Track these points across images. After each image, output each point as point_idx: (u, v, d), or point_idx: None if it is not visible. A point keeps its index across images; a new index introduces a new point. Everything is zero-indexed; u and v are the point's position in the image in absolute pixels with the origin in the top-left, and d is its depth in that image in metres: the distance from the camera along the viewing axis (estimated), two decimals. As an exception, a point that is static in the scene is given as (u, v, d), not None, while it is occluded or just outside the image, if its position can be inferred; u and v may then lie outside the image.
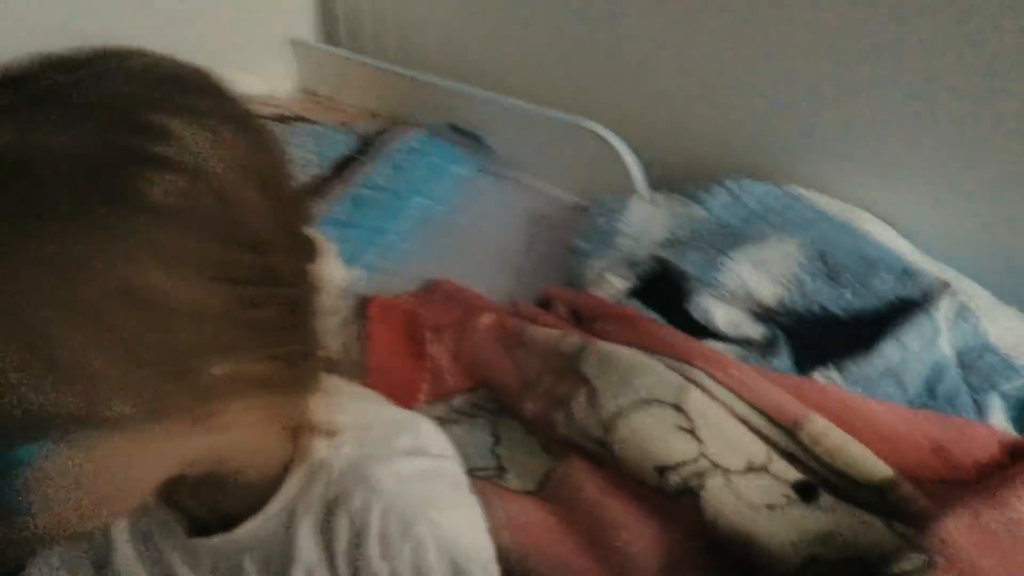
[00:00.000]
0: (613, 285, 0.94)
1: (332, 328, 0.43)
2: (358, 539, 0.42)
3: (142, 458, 0.35)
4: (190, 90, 0.33)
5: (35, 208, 0.28)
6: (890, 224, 1.02)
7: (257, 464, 0.43)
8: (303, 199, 0.39)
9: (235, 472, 0.42)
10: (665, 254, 0.91)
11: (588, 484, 0.74)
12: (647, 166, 1.19)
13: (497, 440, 0.85)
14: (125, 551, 0.48)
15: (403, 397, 0.88)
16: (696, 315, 0.89)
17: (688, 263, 0.89)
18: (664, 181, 1.19)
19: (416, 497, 0.43)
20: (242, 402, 0.36)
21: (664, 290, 0.93)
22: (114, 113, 0.31)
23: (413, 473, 0.44)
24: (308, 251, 0.39)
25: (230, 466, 0.41)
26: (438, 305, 1.02)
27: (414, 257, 1.14)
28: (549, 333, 0.87)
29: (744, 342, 0.87)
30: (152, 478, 0.36)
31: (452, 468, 0.47)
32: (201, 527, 0.45)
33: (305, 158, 1.24)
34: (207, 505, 0.45)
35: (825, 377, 0.76)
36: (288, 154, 0.37)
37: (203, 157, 0.32)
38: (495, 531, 0.72)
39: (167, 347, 0.32)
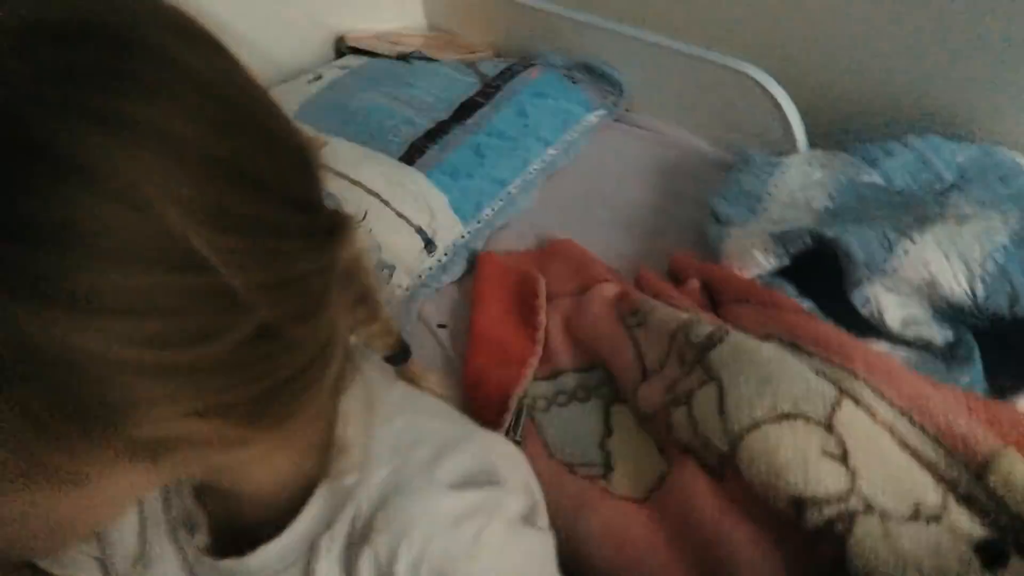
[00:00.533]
0: (759, 262, 0.79)
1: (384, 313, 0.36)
2: None
3: (86, 503, 0.29)
4: (112, 55, 0.24)
5: None
6: None
7: (276, 474, 0.36)
8: (305, 179, 0.30)
9: (244, 482, 0.36)
10: (826, 230, 0.75)
11: (707, 501, 0.63)
12: (810, 117, 1.00)
13: (608, 432, 0.75)
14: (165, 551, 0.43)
15: (508, 371, 0.79)
16: (861, 308, 0.73)
17: (855, 242, 0.72)
18: (830, 137, 1.00)
19: (457, 545, 0.35)
20: (194, 447, 0.29)
21: (821, 273, 0.77)
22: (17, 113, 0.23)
23: (457, 513, 0.36)
24: (321, 237, 0.30)
25: (235, 473, 0.35)
26: (556, 268, 0.93)
27: (537, 213, 1.05)
28: (676, 315, 0.75)
29: (922, 346, 0.70)
30: (106, 513, 0.32)
31: (514, 501, 0.38)
32: (225, 538, 0.40)
33: (424, 100, 1.15)
34: (228, 515, 0.39)
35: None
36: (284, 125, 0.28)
37: (134, 171, 0.24)
38: (584, 542, 0.62)
39: (103, 416, 0.25)
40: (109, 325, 0.24)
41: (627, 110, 1.18)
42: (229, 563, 0.38)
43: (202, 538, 0.40)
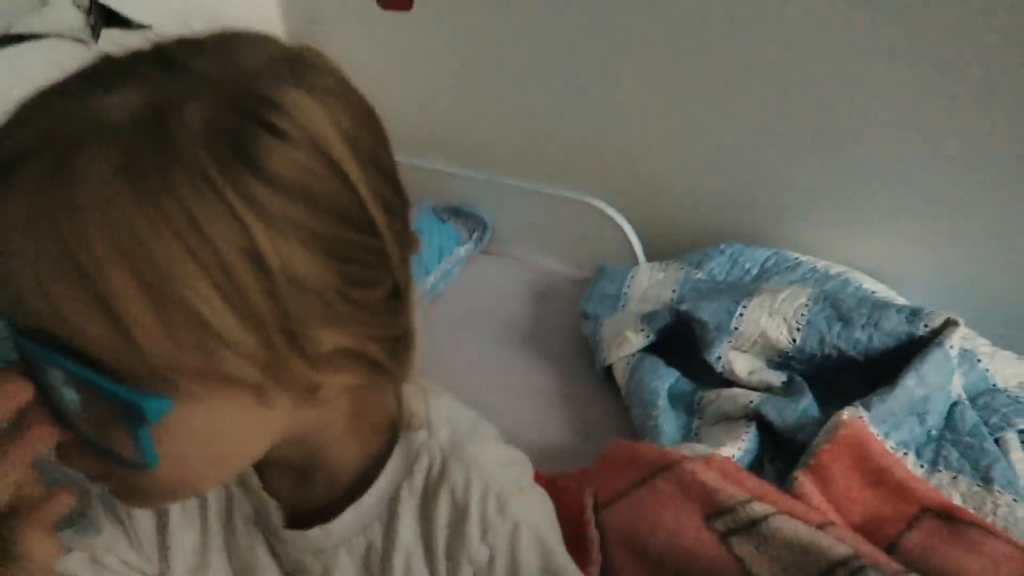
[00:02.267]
0: (631, 341, 0.96)
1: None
2: (459, 519, 0.43)
3: (253, 423, 0.35)
4: (308, 68, 0.34)
5: (168, 166, 0.29)
6: (884, 282, 1.07)
7: (350, 452, 0.44)
8: (403, 188, 0.41)
9: (326, 456, 0.43)
10: (682, 306, 0.94)
11: None
12: (645, 239, 1.23)
13: None
14: (216, 543, 0.47)
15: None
16: (715, 364, 0.91)
17: (705, 313, 0.91)
18: (662, 253, 1.23)
19: (510, 479, 0.44)
20: (346, 377, 0.36)
21: (682, 345, 0.95)
22: (238, 87, 0.32)
23: (504, 459, 0.46)
24: (410, 242, 0.40)
25: (322, 447, 0.42)
26: (605, 469, 0.78)
27: (421, 333, 1.15)
28: (811, 533, 0.61)
29: (765, 388, 0.88)
30: (259, 445, 0.37)
31: (525, 458, 0.48)
32: (294, 521, 0.45)
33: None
34: (300, 495, 0.45)
35: (853, 414, 0.77)
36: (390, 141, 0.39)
37: (322, 135, 0.32)
38: None
39: (284, 312, 0.32)
40: (318, 256, 0.32)
41: (495, 242, 1.36)
42: (315, 532, 0.43)
43: (277, 520, 0.44)
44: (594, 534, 0.68)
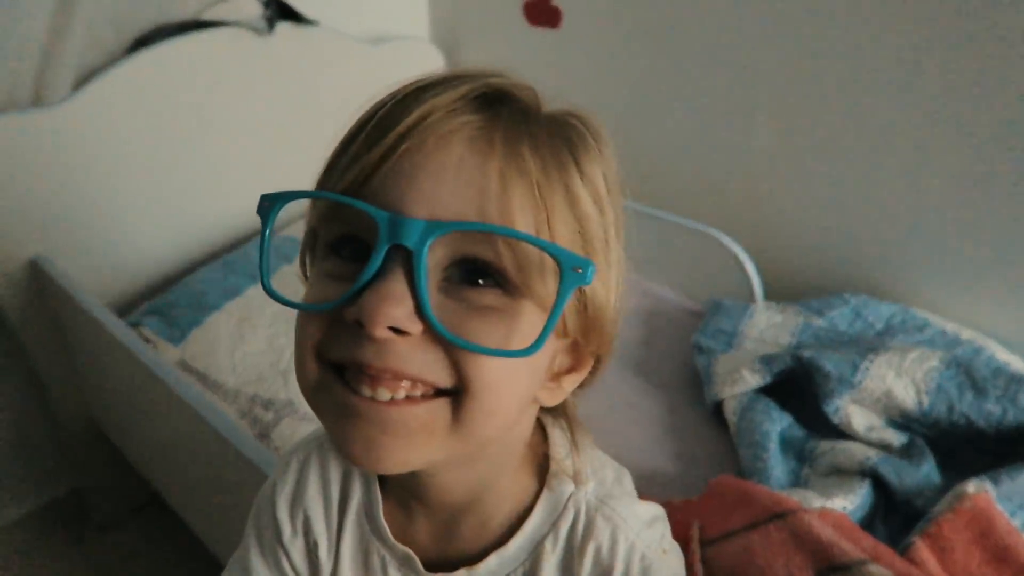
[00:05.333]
0: (746, 380, 0.96)
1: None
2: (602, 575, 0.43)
3: (536, 385, 0.40)
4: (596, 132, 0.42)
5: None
6: (1015, 352, 1.03)
7: (511, 492, 0.45)
8: None
9: (489, 493, 0.44)
10: (804, 352, 0.93)
11: None
12: (764, 277, 1.23)
13: None
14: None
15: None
16: (832, 416, 0.90)
17: (829, 363, 0.91)
18: (780, 293, 1.23)
19: (655, 540, 0.45)
20: (578, 375, 0.42)
21: (797, 390, 0.95)
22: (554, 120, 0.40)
23: (649, 517, 0.46)
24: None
25: (491, 480, 0.44)
26: (713, 506, 0.79)
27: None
28: None
29: (883, 447, 0.86)
30: (523, 419, 0.43)
31: (664, 513, 0.48)
32: (432, 566, 0.46)
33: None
34: (441, 547, 0.46)
35: (979, 487, 0.76)
36: None
37: (599, 172, 0.40)
38: None
39: (609, 247, 0.40)
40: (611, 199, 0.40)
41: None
42: (461, 573, 0.44)
43: (418, 565, 0.45)
44: (699, 568, 0.71)
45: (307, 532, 0.48)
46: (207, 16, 1.20)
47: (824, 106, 1.16)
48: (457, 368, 0.35)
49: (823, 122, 1.17)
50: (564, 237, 0.37)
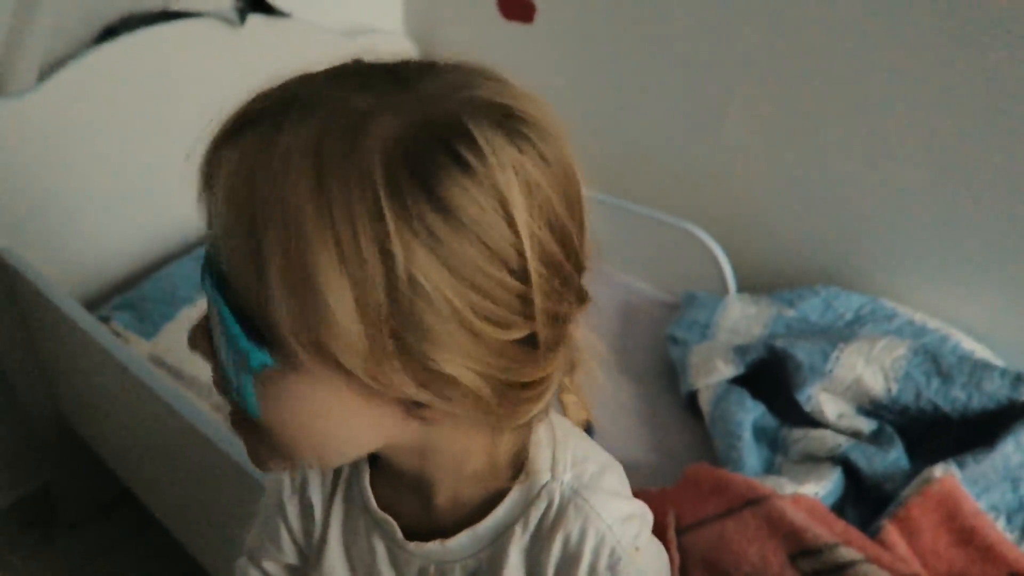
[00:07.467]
0: (720, 370, 0.97)
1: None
2: (567, 566, 0.43)
3: (359, 415, 0.38)
4: (523, 119, 0.36)
5: (347, 163, 0.33)
6: (981, 342, 1.05)
7: (471, 480, 0.45)
8: (584, 250, 0.40)
9: (442, 477, 0.45)
10: (776, 342, 0.95)
11: None
12: (737, 270, 1.24)
13: None
14: (335, 547, 0.51)
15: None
16: (805, 405, 0.91)
17: (800, 352, 0.92)
18: (753, 285, 1.24)
19: (628, 537, 0.44)
20: (450, 404, 0.37)
21: (770, 380, 0.96)
22: (447, 113, 0.34)
23: (624, 513, 0.45)
24: (578, 302, 0.40)
25: (439, 467, 0.44)
26: (687, 494, 0.79)
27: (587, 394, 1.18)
28: None
29: (853, 434, 0.88)
30: (364, 439, 0.41)
31: (645, 510, 0.48)
32: (411, 535, 0.47)
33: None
34: (420, 518, 0.47)
35: (946, 471, 0.78)
36: (585, 210, 0.40)
37: (504, 179, 0.34)
38: None
39: (396, 313, 0.33)
40: (454, 279, 0.34)
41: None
42: (432, 545, 0.46)
43: (398, 533, 0.47)
44: (675, 555, 0.71)
45: (303, 493, 0.51)
46: (177, 6, 1.18)
47: (797, 101, 1.17)
48: None
49: (796, 117, 1.18)
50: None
